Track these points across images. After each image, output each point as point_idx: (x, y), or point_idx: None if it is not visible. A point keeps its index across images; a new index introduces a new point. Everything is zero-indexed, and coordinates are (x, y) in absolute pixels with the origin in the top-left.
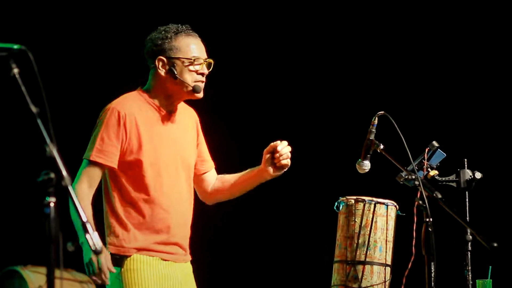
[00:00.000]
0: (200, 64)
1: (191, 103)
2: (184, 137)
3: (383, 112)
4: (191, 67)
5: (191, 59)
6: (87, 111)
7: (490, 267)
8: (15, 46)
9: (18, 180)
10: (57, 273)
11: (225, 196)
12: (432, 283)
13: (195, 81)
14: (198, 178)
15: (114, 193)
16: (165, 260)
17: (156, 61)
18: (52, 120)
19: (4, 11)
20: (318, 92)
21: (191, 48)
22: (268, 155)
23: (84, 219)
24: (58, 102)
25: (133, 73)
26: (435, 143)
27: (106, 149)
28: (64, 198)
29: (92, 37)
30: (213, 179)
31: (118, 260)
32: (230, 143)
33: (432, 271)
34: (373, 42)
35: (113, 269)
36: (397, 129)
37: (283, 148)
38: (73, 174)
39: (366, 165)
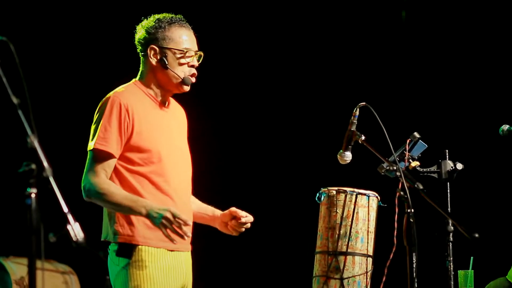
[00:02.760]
0: (191, 56)
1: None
2: (179, 130)
3: (364, 103)
4: (182, 59)
5: (183, 50)
6: (68, 102)
7: (472, 257)
8: None
9: None
10: (39, 264)
11: None
12: (414, 274)
13: (185, 74)
14: None
15: (117, 180)
16: (171, 250)
17: (148, 49)
18: (33, 111)
19: None
20: (300, 83)
21: (184, 39)
22: (229, 214)
23: (66, 210)
24: (39, 93)
25: (116, 64)
26: (416, 134)
27: (108, 137)
28: (46, 189)
29: (74, 29)
30: None
31: (126, 251)
32: (211, 133)
33: (414, 261)
34: (354, 33)
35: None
36: (379, 120)
37: (245, 223)
38: (54, 165)
39: (348, 156)
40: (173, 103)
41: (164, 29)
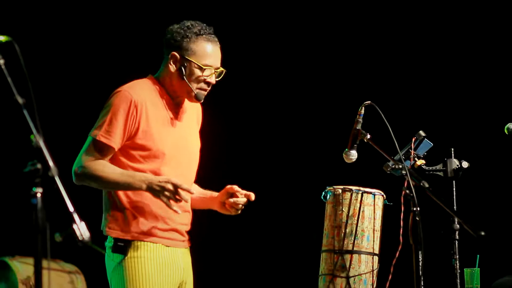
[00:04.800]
0: (210, 74)
1: None
2: (189, 128)
3: (369, 102)
4: (199, 74)
5: (202, 66)
6: (73, 101)
7: (478, 255)
8: (1, 38)
9: (4, 170)
10: (45, 263)
11: None
12: (420, 272)
13: (199, 88)
14: None
15: None
16: (167, 246)
17: (170, 55)
18: (38, 111)
19: None
20: (305, 82)
21: (207, 54)
22: (227, 192)
23: (71, 210)
24: (44, 93)
25: (121, 64)
26: (421, 133)
27: (112, 131)
28: (51, 189)
29: (79, 28)
30: None
31: (122, 247)
32: (216, 131)
33: (420, 260)
34: (360, 32)
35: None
36: (384, 118)
37: (241, 199)
38: (59, 164)
39: (353, 154)
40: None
41: (190, 40)
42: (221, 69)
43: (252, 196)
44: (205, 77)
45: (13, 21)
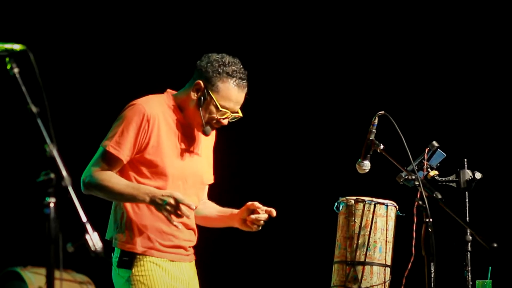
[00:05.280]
0: (224, 116)
1: None
2: (200, 148)
3: (383, 112)
4: (214, 112)
5: (220, 107)
6: (87, 111)
7: (490, 267)
8: (16, 46)
9: (18, 180)
10: (57, 274)
11: (196, 221)
12: (432, 284)
13: (209, 124)
14: None
15: None
16: (172, 260)
17: (196, 82)
18: (52, 120)
19: (4, 10)
20: (318, 92)
21: (229, 98)
22: (247, 208)
23: (84, 220)
24: (58, 102)
25: (137, 75)
26: (435, 143)
27: (122, 143)
28: (64, 199)
29: (92, 38)
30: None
31: (127, 261)
32: (229, 141)
33: (432, 271)
34: (373, 42)
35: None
36: (397, 129)
37: (262, 215)
38: (73, 174)
39: (366, 165)
40: None
41: (219, 77)
42: (238, 114)
43: (274, 212)
44: (219, 118)
45: (28, 30)
